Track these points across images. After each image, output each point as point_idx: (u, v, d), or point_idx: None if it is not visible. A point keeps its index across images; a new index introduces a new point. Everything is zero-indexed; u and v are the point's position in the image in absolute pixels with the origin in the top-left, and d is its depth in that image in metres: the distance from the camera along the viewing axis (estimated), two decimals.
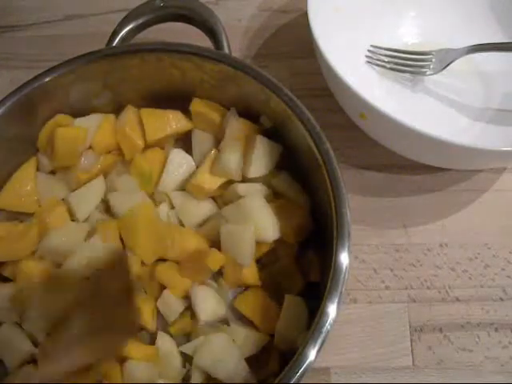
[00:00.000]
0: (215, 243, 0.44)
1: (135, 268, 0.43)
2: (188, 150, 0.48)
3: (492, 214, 0.49)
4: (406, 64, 0.51)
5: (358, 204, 0.49)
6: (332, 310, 0.35)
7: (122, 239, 0.44)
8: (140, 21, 0.49)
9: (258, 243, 0.43)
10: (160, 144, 0.48)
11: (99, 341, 0.36)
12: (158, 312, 0.43)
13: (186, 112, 0.48)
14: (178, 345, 0.43)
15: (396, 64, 0.51)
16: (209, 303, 0.42)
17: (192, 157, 0.48)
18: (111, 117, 0.48)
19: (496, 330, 0.45)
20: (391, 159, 0.51)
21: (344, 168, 0.41)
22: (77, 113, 0.47)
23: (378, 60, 0.51)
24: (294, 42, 0.55)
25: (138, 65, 0.46)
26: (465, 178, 0.50)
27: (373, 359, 0.44)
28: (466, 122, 0.50)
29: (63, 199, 0.46)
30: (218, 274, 0.44)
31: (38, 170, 0.47)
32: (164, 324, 0.43)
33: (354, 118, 0.49)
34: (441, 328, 0.45)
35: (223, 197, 0.46)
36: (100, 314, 0.38)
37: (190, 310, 0.43)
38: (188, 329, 0.43)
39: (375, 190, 0.50)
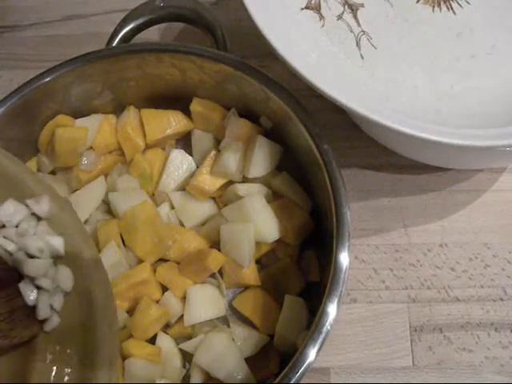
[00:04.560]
0: (215, 243, 0.44)
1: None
2: (188, 150, 0.48)
3: (492, 214, 0.49)
4: None
5: (358, 204, 0.49)
6: (332, 309, 0.35)
7: (122, 239, 0.44)
8: (140, 21, 0.49)
9: (258, 243, 0.43)
10: (160, 144, 0.48)
11: None
12: None
13: (187, 112, 0.48)
14: (178, 344, 0.43)
15: None
16: (198, 306, 0.42)
17: (192, 157, 0.48)
18: (112, 117, 0.48)
19: (496, 329, 0.45)
20: (391, 159, 0.51)
21: (344, 168, 0.41)
22: (77, 113, 0.48)
23: None
24: None
25: (138, 65, 0.46)
26: (465, 177, 0.50)
27: (373, 359, 0.44)
28: None
29: None
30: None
31: (38, 170, 0.47)
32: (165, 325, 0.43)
33: (354, 118, 0.49)
34: (441, 328, 0.45)
35: (223, 197, 0.46)
36: None
37: None
38: (187, 331, 0.43)
39: (375, 190, 0.50)
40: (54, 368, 0.35)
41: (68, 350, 0.35)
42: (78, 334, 0.36)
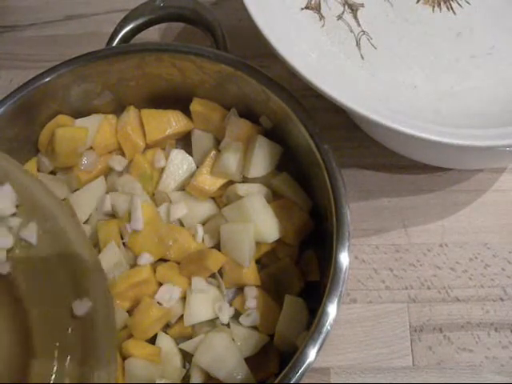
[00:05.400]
0: (215, 243, 0.44)
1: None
2: (188, 150, 0.48)
3: (492, 213, 0.49)
4: None
5: (358, 204, 0.49)
6: (332, 309, 0.35)
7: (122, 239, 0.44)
8: (140, 21, 0.49)
9: (258, 243, 0.43)
10: (160, 144, 0.48)
11: None
12: None
13: (187, 112, 0.48)
14: (178, 344, 0.43)
15: None
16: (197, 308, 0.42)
17: (192, 157, 0.48)
18: (112, 117, 0.48)
19: (496, 329, 0.45)
20: (391, 159, 0.51)
21: (344, 168, 0.41)
22: (77, 113, 0.48)
23: None
24: None
25: (138, 65, 0.46)
26: (465, 177, 0.50)
27: (373, 359, 0.44)
28: None
29: (64, 199, 0.46)
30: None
31: (38, 170, 0.47)
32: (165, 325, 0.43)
33: (354, 118, 0.49)
34: (441, 328, 0.45)
35: (223, 197, 0.46)
36: None
37: None
38: (187, 331, 0.43)
39: (375, 189, 0.50)
40: (54, 368, 0.35)
41: (68, 357, 0.36)
42: (77, 339, 0.36)
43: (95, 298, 0.37)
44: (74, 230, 0.39)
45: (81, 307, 0.36)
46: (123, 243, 0.44)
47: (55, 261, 0.37)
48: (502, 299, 0.46)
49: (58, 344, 0.35)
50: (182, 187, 0.47)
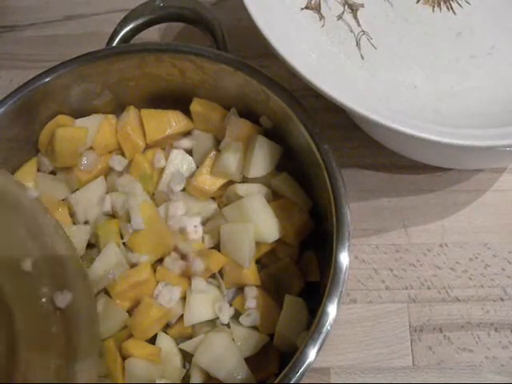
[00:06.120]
0: (215, 243, 0.45)
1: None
2: (188, 150, 0.48)
3: (492, 213, 0.49)
4: None
5: (358, 204, 0.49)
6: (332, 309, 0.35)
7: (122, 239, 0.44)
8: (140, 21, 0.49)
9: (258, 243, 0.43)
10: (160, 144, 0.48)
11: None
12: None
13: (187, 112, 0.48)
14: (178, 344, 0.43)
15: None
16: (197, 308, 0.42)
17: (192, 157, 0.48)
18: (112, 117, 0.48)
19: (496, 329, 0.45)
20: (391, 159, 0.51)
21: (344, 168, 0.41)
22: (77, 113, 0.48)
23: None
24: None
25: (138, 65, 0.46)
26: (465, 177, 0.50)
27: (373, 359, 0.44)
28: None
29: (64, 199, 0.46)
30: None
31: (38, 170, 0.47)
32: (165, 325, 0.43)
33: (354, 118, 0.49)
34: (441, 328, 0.45)
35: (223, 197, 0.46)
36: None
37: None
38: (187, 331, 0.43)
39: (375, 190, 0.50)
40: (38, 363, 0.36)
41: (51, 349, 0.36)
42: (60, 332, 0.36)
43: (75, 289, 0.37)
44: (51, 228, 0.39)
45: (62, 299, 0.36)
46: (123, 243, 0.44)
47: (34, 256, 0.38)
48: (502, 299, 0.46)
49: (41, 338, 0.36)
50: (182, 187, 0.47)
